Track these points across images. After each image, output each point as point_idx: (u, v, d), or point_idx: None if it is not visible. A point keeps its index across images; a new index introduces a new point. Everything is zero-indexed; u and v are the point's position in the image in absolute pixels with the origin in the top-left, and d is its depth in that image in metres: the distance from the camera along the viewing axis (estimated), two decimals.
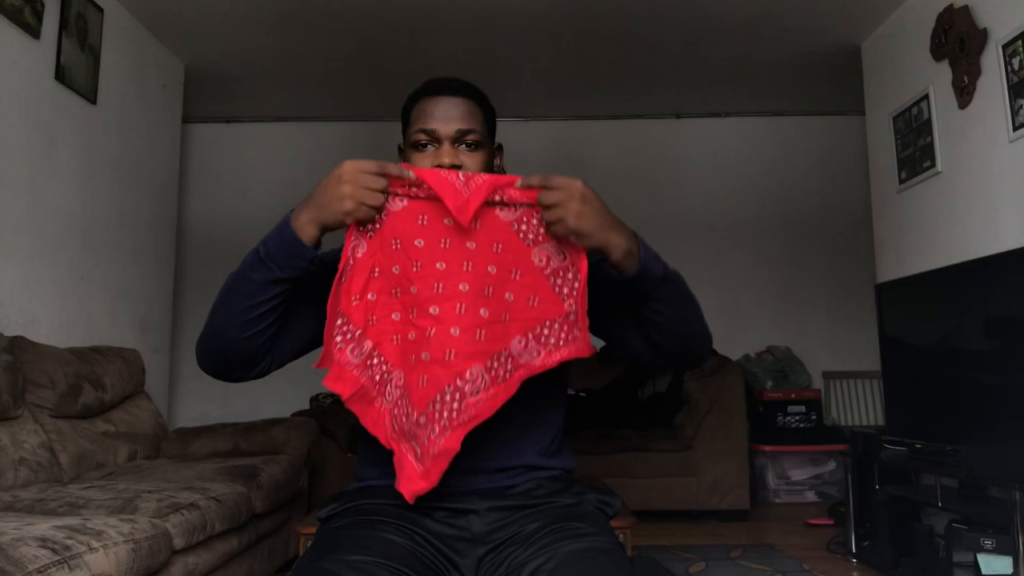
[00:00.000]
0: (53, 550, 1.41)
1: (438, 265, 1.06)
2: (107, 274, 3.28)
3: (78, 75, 3.03)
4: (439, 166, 1.13)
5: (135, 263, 3.51)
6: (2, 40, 2.61)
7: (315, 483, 3.22)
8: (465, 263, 1.06)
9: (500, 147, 1.27)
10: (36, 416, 2.39)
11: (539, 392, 1.12)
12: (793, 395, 4.31)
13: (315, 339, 1.14)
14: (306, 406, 4.12)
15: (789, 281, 4.86)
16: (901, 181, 3.43)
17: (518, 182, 1.05)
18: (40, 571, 1.35)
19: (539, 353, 1.05)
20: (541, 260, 1.06)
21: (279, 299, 1.06)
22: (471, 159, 1.17)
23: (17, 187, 2.71)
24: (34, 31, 2.76)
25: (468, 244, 1.06)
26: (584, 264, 1.05)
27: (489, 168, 1.20)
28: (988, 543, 2.31)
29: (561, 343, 1.05)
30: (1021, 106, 2.65)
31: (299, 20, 3.58)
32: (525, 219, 1.06)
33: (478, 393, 1.03)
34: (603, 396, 4.12)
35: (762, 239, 4.89)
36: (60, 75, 2.91)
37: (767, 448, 4.15)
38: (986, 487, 2.47)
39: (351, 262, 1.06)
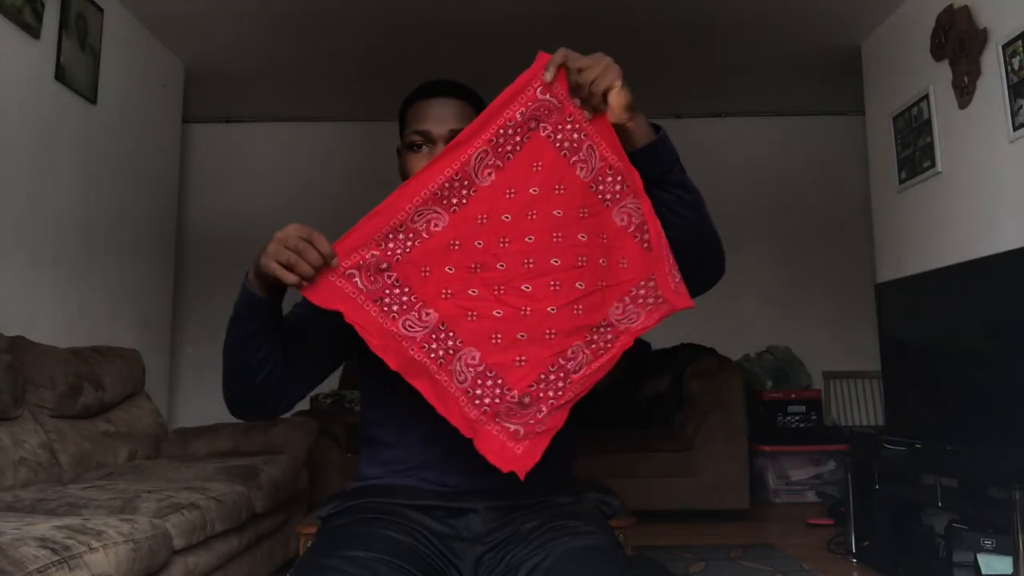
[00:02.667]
0: (53, 550, 1.41)
1: (527, 239, 1.03)
2: (107, 274, 3.28)
3: (78, 75, 3.03)
4: None
5: (135, 263, 3.51)
6: (2, 40, 2.61)
7: (315, 483, 3.22)
8: (554, 234, 1.03)
9: None
10: (36, 416, 2.39)
11: None
12: (793, 395, 4.31)
13: (324, 376, 1.21)
14: (306, 406, 4.13)
15: (789, 281, 4.86)
16: (901, 181, 3.43)
17: (546, 76, 1.02)
18: (40, 571, 1.35)
19: (639, 315, 1.02)
20: (623, 219, 1.04)
21: (265, 346, 1.10)
22: None
23: (17, 187, 2.71)
24: (34, 31, 2.76)
25: (555, 212, 1.03)
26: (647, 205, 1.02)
27: None
28: (988, 543, 2.31)
29: (660, 300, 1.01)
30: (1021, 106, 2.65)
31: (299, 20, 3.58)
32: (600, 179, 1.04)
33: (581, 369, 1.02)
34: (603, 396, 4.11)
35: (762, 239, 4.89)
36: (60, 75, 2.91)
37: (767, 448, 4.15)
38: (986, 487, 2.47)
39: (425, 235, 1.03)
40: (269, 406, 1.17)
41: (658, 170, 1.06)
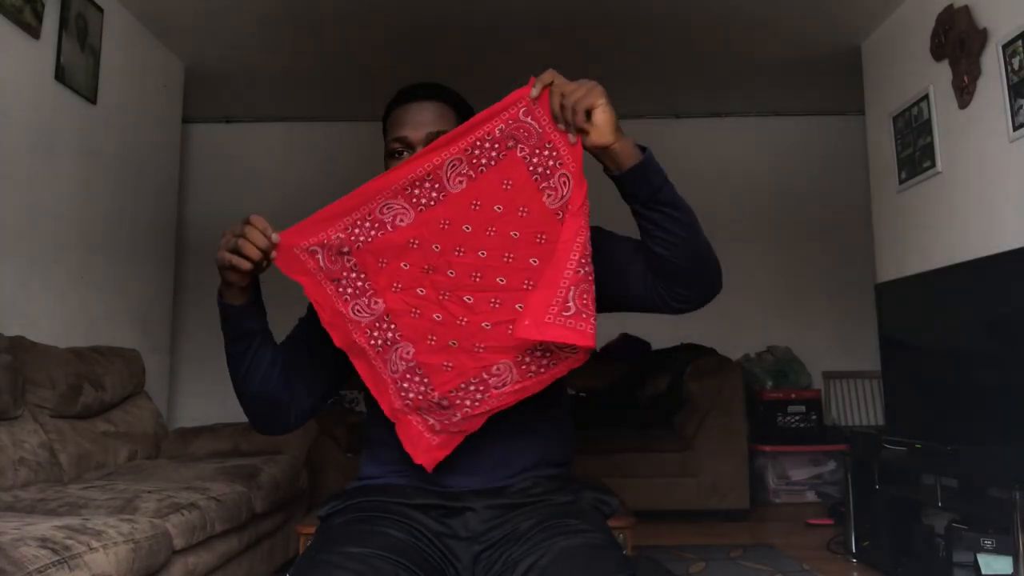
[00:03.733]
0: (53, 550, 1.41)
1: (480, 253, 1.05)
2: (107, 274, 3.28)
3: (78, 75, 3.03)
4: None
5: (135, 263, 3.51)
6: (2, 40, 2.61)
7: (315, 483, 3.22)
8: (506, 254, 1.05)
9: None
10: (36, 416, 2.39)
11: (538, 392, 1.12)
12: (793, 395, 4.31)
13: (332, 390, 1.26)
14: None
15: (789, 281, 4.86)
16: (901, 181, 3.43)
17: (532, 92, 1.04)
18: (40, 571, 1.35)
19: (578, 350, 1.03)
20: (577, 252, 1.03)
21: (256, 357, 1.16)
22: None
23: (17, 187, 2.71)
24: (34, 31, 2.76)
25: (512, 233, 1.05)
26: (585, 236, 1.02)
27: None
28: (988, 543, 2.31)
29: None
30: (1021, 106, 2.65)
31: (299, 20, 3.58)
32: (568, 209, 1.04)
33: (503, 386, 1.05)
34: (603, 396, 4.12)
35: (762, 239, 4.89)
36: (60, 75, 2.91)
37: (767, 448, 4.15)
38: (986, 487, 2.47)
39: (390, 228, 1.06)
40: (280, 420, 1.21)
41: (646, 190, 1.05)
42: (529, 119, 1.04)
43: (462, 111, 1.22)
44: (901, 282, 3.20)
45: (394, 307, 1.07)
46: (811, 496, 4.16)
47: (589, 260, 1.00)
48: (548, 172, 1.05)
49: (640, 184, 1.05)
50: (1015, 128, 2.68)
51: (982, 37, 2.84)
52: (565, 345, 1.01)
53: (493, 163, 1.05)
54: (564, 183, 1.04)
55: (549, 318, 0.97)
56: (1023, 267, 2.43)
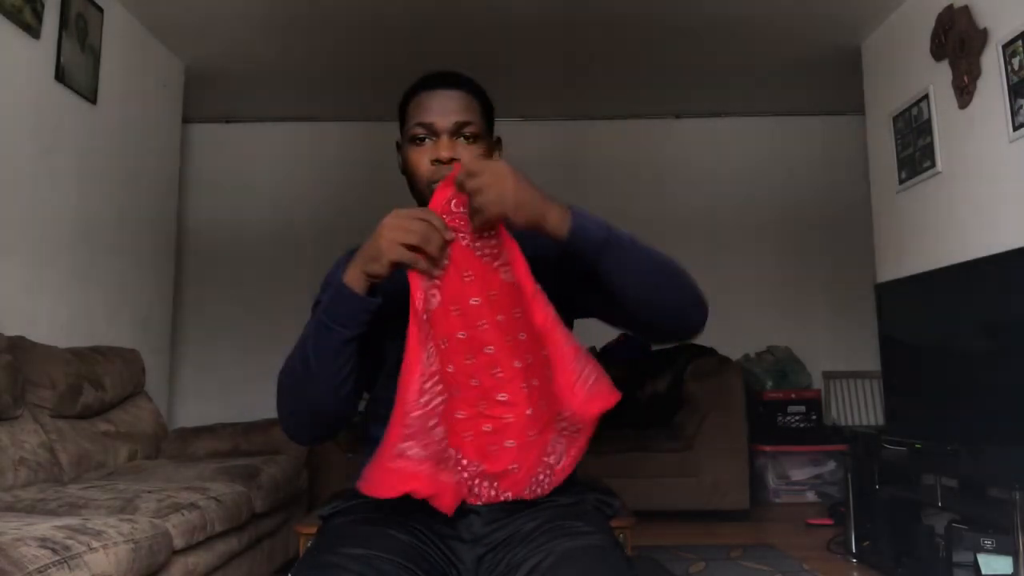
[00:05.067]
0: (53, 550, 1.41)
1: (487, 350, 1.04)
2: (107, 274, 3.28)
3: (78, 75, 3.03)
4: (437, 160, 1.13)
5: (135, 263, 3.51)
6: (2, 40, 2.61)
7: (315, 483, 3.22)
8: (508, 337, 1.04)
9: (499, 140, 1.26)
10: (36, 416, 2.39)
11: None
12: (793, 395, 4.31)
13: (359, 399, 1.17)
14: None
15: (789, 281, 4.86)
16: (901, 181, 3.43)
17: (457, 177, 1.01)
18: (40, 571, 1.35)
19: (591, 399, 1.02)
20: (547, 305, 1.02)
21: (355, 356, 1.07)
22: (469, 151, 1.15)
23: (17, 187, 2.71)
24: (34, 31, 2.76)
25: (499, 318, 1.04)
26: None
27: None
28: (988, 543, 2.31)
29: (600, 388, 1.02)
30: (1021, 106, 2.65)
31: (299, 20, 3.58)
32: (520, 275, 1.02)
33: (561, 460, 1.06)
34: None
35: (762, 239, 4.89)
36: (60, 75, 2.91)
37: (767, 448, 4.15)
38: (986, 487, 2.47)
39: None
40: (337, 426, 1.14)
41: (583, 262, 1.03)
42: (462, 209, 1.02)
43: (486, 107, 1.20)
44: (901, 282, 3.20)
45: (455, 443, 1.04)
46: (811, 496, 4.16)
47: (566, 329, 1.01)
48: (496, 252, 1.03)
49: (580, 248, 1.02)
50: (1015, 128, 2.68)
51: (982, 37, 2.84)
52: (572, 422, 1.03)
53: (447, 260, 1.02)
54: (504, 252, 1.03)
55: (583, 393, 0.99)
56: (1023, 267, 2.43)
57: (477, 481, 1.05)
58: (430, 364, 1.00)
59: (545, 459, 1.06)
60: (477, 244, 1.03)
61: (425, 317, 1.01)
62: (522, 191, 0.99)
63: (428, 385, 1.00)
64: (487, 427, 1.05)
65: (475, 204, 0.98)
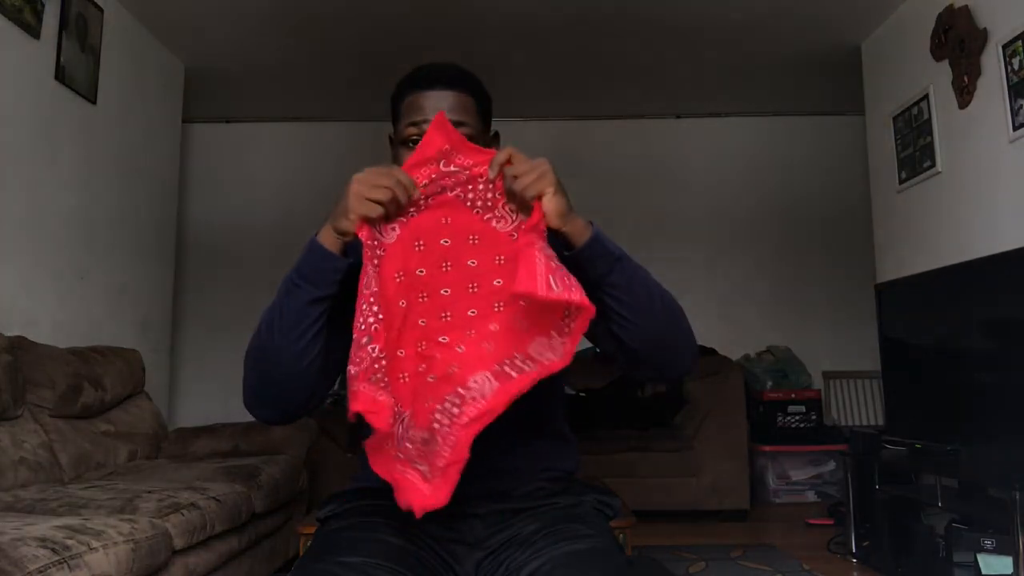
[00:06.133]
0: (53, 550, 1.41)
1: (443, 291, 1.02)
2: (107, 274, 3.28)
3: (78, 75, 3.03)
4: None
5: (135, 263, 3.51)
6: (2, 40, 2.61)
7: (315, 483, 3.22)
8: (471, 285, 1.02)
9: (497, 135, 1.23)
10: (36, 416, 2.39)
11: (538, 393, 1.11)
12: (793, 395, 4.31)
13: (332, 383, 1.13)
14: None
15: (789, 281, 4.86)
16: (901, 181, 3.43)
17: (489, 173, 1.01)
18: (40, 571, 1.35)
19: (556, 351, 0.96)
20: (542, 260, 0.98)
21: (322, 320, 1.03)
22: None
23: (17, 187, 2.71)
24: (34, 31, 2.76)
25: (470, 263, 1.02)
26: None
27: None
28: (988, 543, 2.31)
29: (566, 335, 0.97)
30: (1021, 106, 2.65)
31: (299, 20, 3.58)
32: (524, 227, 1.00)
33: (483, 397, 0.97)
34: (603, 396, 4.12)
35: (762, 239, 4.89)
36: (60, 75, 2.91)
37: (767, 448, 4.15)
38: (986, 487, 2.47)
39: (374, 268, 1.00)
40: (298, 402, 1.08)
41: (592, 274, 1.02)
42: (456, 168, 1.02)
43: (482, 103, 1.18)
44: (901, 282, 3.20)
45: (391, 377, 1.00)
46: (811, 496, 4.16)
47: (555, 257, 0.96)
48: (491, 204, 1.02)
49: (587, 266, 1.02)
50: (1015, 128, 2.68)
51: (982, 37, 2.84)
52: (544, 352, 0.97)
53: (423, 206, 1.02)
54: (511, 211, 1.02)
55: (541, 291, 0.91)
56: (1023, 267, 2.43)
57: (399, 429, 0.98)
58: (368, 285, 0.99)
59: (460, 390, 0.97)
60: (469, 197, 1.02)
61: (379, 252, 1.00)
62: (560, 187, 1.00)
63: (364, 306, 0.98)
64: (421, 367, 1.01)
65: (515, 187, 0.98)
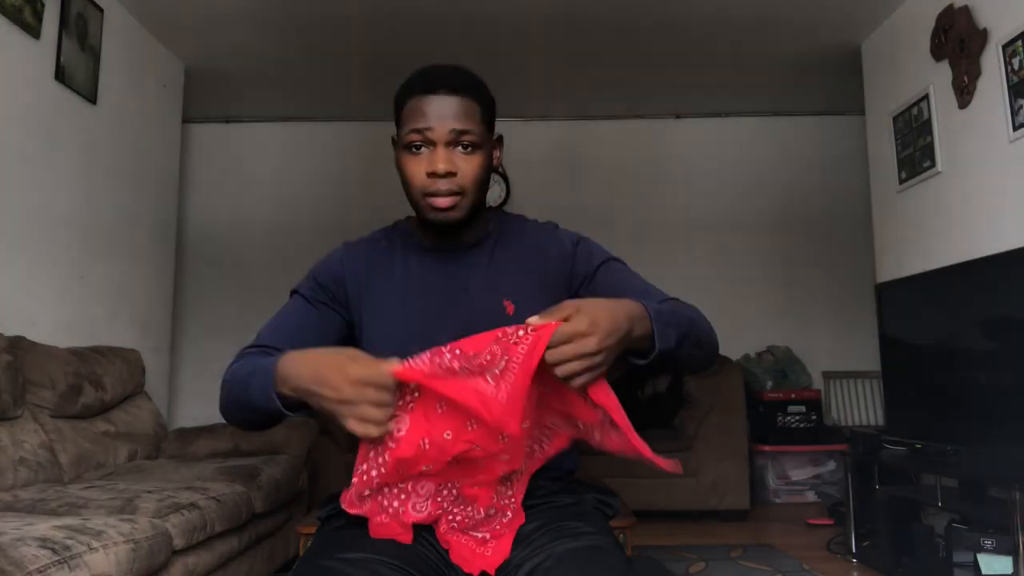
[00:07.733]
0: (53, 550, 1.41)
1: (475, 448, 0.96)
2: (107, 274, 3.27)
3: (78, 75, 3.03)
4: (433, 173, 1.10)
5: (135, 263, 3.51)
6: (2, 40, 2.61)
7: (315, 483, 3.22)
8: (501, 436, 0.95)
9: (500, 139, 1.22)
10: (36, 416, 2.39)
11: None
12: (793, 395, 4.31)
13: None
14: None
15: (789, 281, 4.86)
16: (901, 181, 3.43)
17: (530, 326, 0.90)
18: (40, 571, 1.35)
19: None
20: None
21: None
22: (467, 162, 1.11)
23: (17, 187, 2.71)
24: (34, 31, 2.76)
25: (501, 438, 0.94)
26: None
27: (486, 169, 1.15)
28: (988, 543, 2.31)
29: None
30: (1021, 106, 2.65)
31: (299, 20, 3.58)
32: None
33: (544, 446, 1.08)
34: None
35: (762, 239, 4.89)
36: (60, 75, 2.91)
37: (767, 448, 4.15)
38: (986, 487, 2.47)
39: (392, 444, 0.94)
40: (270, 427, 1.14)
41: (667, 357, 1.05)
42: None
43: (486, 108, 1.16)
44: (901, 282, 3.20)
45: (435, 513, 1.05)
46: (811, 496, 4.16)
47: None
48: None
49: (659, 364, 1.06)
50: (1015, 128, 2.68)
51: (982, 37, 2.84)
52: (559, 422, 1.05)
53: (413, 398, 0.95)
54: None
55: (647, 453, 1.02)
56: (1023, 267, 2.43)
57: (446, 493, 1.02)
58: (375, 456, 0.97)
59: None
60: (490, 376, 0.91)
61: (392, 445, 0.94)
62: (608, 338, 0.92)
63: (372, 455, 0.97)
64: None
65: (560, 373, 0.91)
